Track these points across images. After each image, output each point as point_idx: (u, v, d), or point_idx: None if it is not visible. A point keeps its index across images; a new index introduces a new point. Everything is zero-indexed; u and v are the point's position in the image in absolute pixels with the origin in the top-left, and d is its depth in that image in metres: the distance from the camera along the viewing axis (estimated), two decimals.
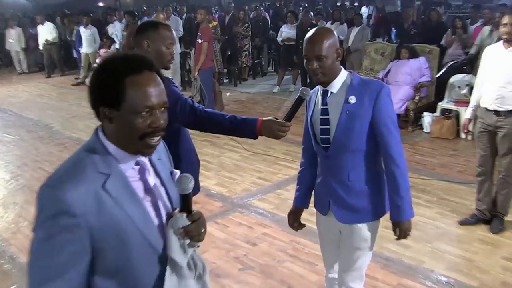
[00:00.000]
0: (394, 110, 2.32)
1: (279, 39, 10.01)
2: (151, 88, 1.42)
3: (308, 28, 8.80)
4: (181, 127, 2.73)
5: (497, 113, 3.93)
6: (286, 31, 9.97)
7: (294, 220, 2.62)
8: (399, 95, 6.85)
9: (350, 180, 2.32)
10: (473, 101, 4.19)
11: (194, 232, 1.53)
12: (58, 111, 9.29)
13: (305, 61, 2.26)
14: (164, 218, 1.54)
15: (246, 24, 10.94)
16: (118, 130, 1.44)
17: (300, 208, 2.61)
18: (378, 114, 2.23)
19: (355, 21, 9.25)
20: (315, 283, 3.46)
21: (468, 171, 5.39)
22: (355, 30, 9.11)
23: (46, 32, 12.95)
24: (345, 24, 9.87)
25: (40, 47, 13.16)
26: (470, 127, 4.34)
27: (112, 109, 1.41)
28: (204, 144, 6.63)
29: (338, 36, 9.67)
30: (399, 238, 2.38)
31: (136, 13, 14.91)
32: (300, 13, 11.66)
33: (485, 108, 4.01)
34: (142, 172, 1.51)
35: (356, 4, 18.41)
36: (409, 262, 3.70)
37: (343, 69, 2.31)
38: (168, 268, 1.52)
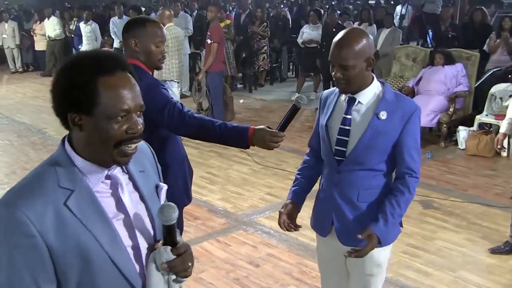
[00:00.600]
0: (420, 134, 2.38)
1: (299, 40, 10.15)
2: (126, 90, 1.43)
3: (334, 30, 9.01)
4: (170, 133, 2.84)
5: None
6: (308, 32, 10.11)
7: (288, 217, 2.52)
8: (430, 106, 6.92)
9: (359, 200, 2.38)
10: (510, 113, 4.25)
11: (180, 267, 1.51)
12: (53, 114, 9.44)
13: (330, 66, 2.30)
14: (140, 239, 1.54)
15: (265, 24, 11.11)
16: (90, 138, 1.44)
17: (296, 204, 2.56)
18: (406, 137, 2.29)
19: (385, 21, 9.34)
20: None
21: (506, 194, 5.40)
22: (385, 32, 9.21)
23: (50, 28, 13.36)
24: (374, 25, 9.98)
25: (39, 46, 13.56)
26: (505, 143, 4.40)
27: (83, 114, 1.41)
28: (210, 155, 6.79)
29: None
30: (364, 249, 2.29)
31: (144, 8, 15.31)
32: (327, 12, 11.83)
33: None
34: (114, 187, 1.51)
35: (392, 2, 18.51)
36: None
37: (375, 78, 2.35)
38: None
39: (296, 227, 2.55)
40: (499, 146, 4.36)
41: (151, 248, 1.54)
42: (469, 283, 3.87)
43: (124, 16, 11.08)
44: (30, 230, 1.36)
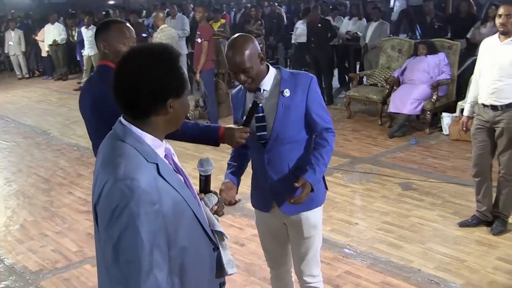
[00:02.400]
0: (322, 98, 2.74)
1: (293, 36, 10.47)
2: None
3: (319, 25, 9.32)
4: None
5: (494, 107, 4.29)
6: (301, 28, 10.45)
7: (232, 197, 2.72)
8: (414, 95, 7.23)
9: (290, 171, 2.70)
10: (470, 97, 4.57)
11: (221, 207, 1.94)
12: (57, 116, 9.97)
13: (231, 74, 2.63)
14: (194, 192, 1.81)
15: (259, 22, 11.43)
16: (172, 117, 1.67)
17: (233, 184, 2.78)
18: (312, 104, 2.64)
19: (373, 15, 9.64)
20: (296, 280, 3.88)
21: None
22: (373, 25, 9.50)
23: (55, 33, 13.79)
24: (364, 19, 10.30)
25: (46, 48, 14.00)
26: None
27: (176, 98, 1.64)
28: (205, 149, 7.03)
29: (356, 33, 10.10)
30: (301, 195, 2.54)
31: (144, 11, 15.66)
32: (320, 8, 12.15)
33: (482, 104, 4.38)
34: (168, 157, 1.74)
35: None
36: (397, 261, 4.09)
37: (270, 67, 2.69)
38: (220, 243, 1.87)
39: (236, 202, 2.77)
40: (464, 129, 4.66)
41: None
42: (436, 253, 4.19)
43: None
44: (152, 198, 1.54)
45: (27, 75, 15.15)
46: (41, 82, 14.39)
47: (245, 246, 4.48)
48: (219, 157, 7.18)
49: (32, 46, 14.89)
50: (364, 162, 6.41)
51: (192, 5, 13.73)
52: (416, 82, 7.43)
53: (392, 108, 7.45)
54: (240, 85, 2.76)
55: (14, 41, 14.49)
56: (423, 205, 5.09)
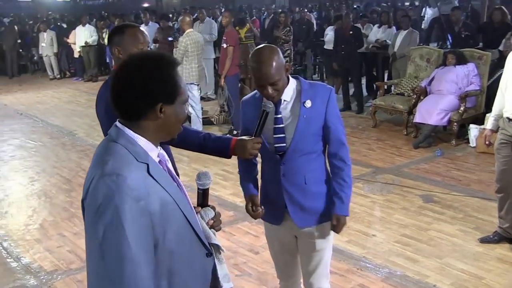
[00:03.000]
0: (338, 110, 2.72)
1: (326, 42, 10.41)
2: None
3: (350, 32, 9.26)
4: None
5: None
6: (331, 34, 10.41)
7: (257, 206, 2.73)
8: (441, 105, 7.10)
9: (306, 183, 2.68)
10: (495, 110, 4.45)
11: (218, 222, 1.94)
12: (84, 117, 10.11)
13: (258, 87, 2.56)
14: (189, 202, 1.81)
15: (288, 28, 11.42)
16: (166, 121, 1.68)
17: (256, 196, 2.78)
18: (330, 116, 2.62)
19: (402, 24, 9.53)
20: None
21: None
22: (402, 33, 9.39)
23: (86, 34, 14.06)
24: (393, 27, 10.19)
25: (78, 49, 14.27)
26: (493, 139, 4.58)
27: (167, 104, 1.66)
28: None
29: (385, 41, 9.99)
30: (337, 230, 2.71)
31: (173, 15, 15.82)
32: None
33: (507, 117, 4.27)
34: (163, 163, 1.76)
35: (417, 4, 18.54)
36: (413, 276, 4.01)
37: (290, 77, 2.65)
38: (216, 257, 1.88)
39: (262, 211, 2.75)
40: (487, 142, 4.56)
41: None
42: (454, 269, 4.09)
43: (150, 23, 11.61)
44: (138, 194, 1.55)
45: (58, 76, 15.44)
46: (71, 83, 14.65)
47: (259, 254, 4.45)
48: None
49: (63, 47, 15.16)
50: (386, 172, 6.32)
51: (222, 9, 13.79)
52: (444, 93, 7.30)
53: (418, 118, 7.34)
54: (254, 93, 2.73)
55: (46, 42, 14.80)
56: (443, 218, 4.99)
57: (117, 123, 1.72)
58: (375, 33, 10.62)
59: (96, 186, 1.57)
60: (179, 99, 1.70)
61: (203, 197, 1.95)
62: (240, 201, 5.63)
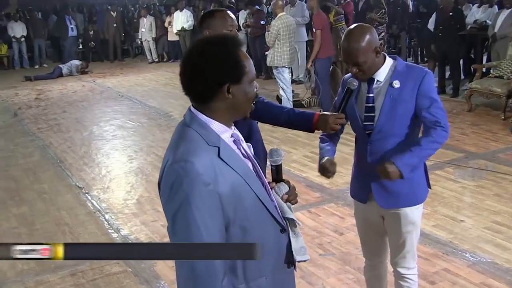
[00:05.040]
0: (438, 96, 2.66)
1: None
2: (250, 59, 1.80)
3: (450, 14, 8.93)
4: None
5: None
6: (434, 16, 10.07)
7: (334, 168, 2.75)
8: None
9: None
10: None
11: (293, 196, 1.98)
12: (180, 99, 10.47)
13: (345, 63, 2.65)
14: (263, 178, 1.89)
15: (383, 10, 11.18)
16: (236, 101, 1.75)
17: (333, 158, 2.80)
18: (421, 99, 2.59)
19: (506, 1, 9.02)
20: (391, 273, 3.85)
21: None
22: (504, 12, 8.90)
23: (182, 19, 14.57)
24: (495, 6, 9.70)
25: (175, 32, 14.82)
26: None
27: (235, 84, 1.72)
28: (316, 137, 7.15)
29: (485, 21, 9.53)
30: (380, 174, 2.59)
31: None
32: None
33: None
34: (237, 143, 1.83)
35: None
36: (502, 263, 3.90)
37: (387, 57, 2.66)
38: (292, 230, 1.92)
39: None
40: None
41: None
42: None
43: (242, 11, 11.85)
44: (206, 179, 1.64)
45: (157, 59, 16.14)
46: (169, 66, 15.23)
47: (343, 235, 4.50)
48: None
49: (162, 32, 15.78)
50: (479, 158, 6.12)
51: None
52: None
53: None
54: None
55: (145, 27, 15.50)
56: None
57: (191, 107, 1.81)
58: (474, 14, 10.17)
59: (168, 172, 1.69)
60: (245, 78, 1.75)
61: (276, 172, 2.01)
62: (327, 183, 5.67)
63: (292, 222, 1.94)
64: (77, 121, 9.50)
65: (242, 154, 1.84)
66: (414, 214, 2.75)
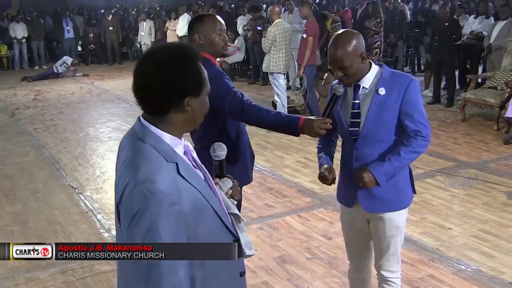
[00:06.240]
0: (422, 105, 2.71)
1: None
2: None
3: (446, 24, 9.01)
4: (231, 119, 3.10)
5: None
6: None
7: (333, 175, 2.81)
8: None
9: None
10: None
11: (236, 191, 2.01)
12: None
13: (331, 68, 2.72)
14: (213, 188, 1.88)
15: (378, 19, 11.25)
16: (191, 116, 1.73)
17: (332, 167, 2.84)
18: (406, 107, 2.64)
19: (501, 13, 9.12)
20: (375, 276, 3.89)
21: None
22: (500, 24, 9.00)
23: (181, 25, 14.63)
24: (491, 18, 9.79)
25: (173, 38, 14.89)
26: None
27: (194, 96, 1.70)
28: (310, 143, 7.21)
29: (481, 32, 9.61)
30: (356, 176, 2.67)
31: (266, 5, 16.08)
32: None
33: None
34: (187, 154, 1.80)
35: None
36: (487, 271, 3.94)
37: (373, 64, 2.72)
38: (236, 226, 1.90)
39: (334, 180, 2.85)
40: None
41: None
42: None
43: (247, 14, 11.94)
44: (172, 199, 1.60)
45: None
46: None
47: (332, 239, 4.54)
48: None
49: (162, 36, 15.83)
50: (470, 167, 6.17)
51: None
52: None
53: (510, 113, 7.07)
54: None
55: (145, 31, 15.57)
56: None
57: (141, 118, 1.75)
58: (470, 24, 10.24)
59: (131, 193, 1.60)
60: (204, 91, 1.74)
61: (220, 168, 2.03)
62: (318, 188, 5.73)
63: (237, 218, 1.94)
64: (73, 122, 9.55)
65: (193, 165, 1.81)
66: (398, 218, 2.81)
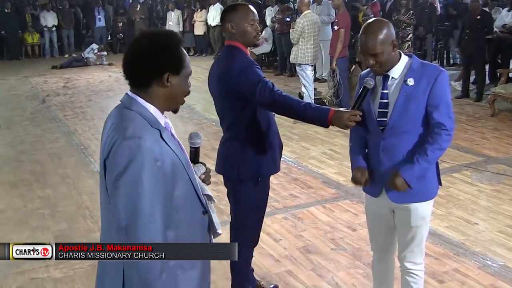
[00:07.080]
0: (450, 97, 2.71)
1: None
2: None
3: (478, 17, 8.87)
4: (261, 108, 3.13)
5: None
6: None
7: (365, 177, 2.82)
8: None
9: (404, 161, 2.71)
10: None
11: (208, 177, 2.23)
12: (203, 93, 10.40)
13: (361, 56, 2.72)
14: (189, 164, 2.04)
15: (410, 12, 11.13)
16: (172, 91, 1.91)
17: (365, 168, 2.85)
18: (433, 98, 2.64)
19: None
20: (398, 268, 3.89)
21: None
22: None
23: (212, 14, 14.70)
24: None
25: (198, 31, 14.97)
26: None
27: (174, 75, 1.90)
28: (336, 135, 7.23)
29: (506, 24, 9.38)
30: (390, 183, 2.71)
31: None
32: None
33: None
34: (168, 129, 1.97)
35: None
36: None
37: (403, 55, 2.73)
38: (209, 208, 2.08)
39: (367, 182, 2.86)
40: None
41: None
42: None
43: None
44: (156, 156, 1.78)
45: None
46: (194, 60, 15.33)
47: (356, 231, 4.55)
48: (347, 144, 7.27)
49: (190, 26, 15.93)
50: (499, 162, 6.10)
51: None
52: None
53: None
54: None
55: (173, 21, 15.66)
56: None
57: (129, 92, 1.95)
58: (503, 18, 10.07)
59: (120, 148, 1.78)
60: (183, 72, 1.93)
61: (195, 154, 2.21)
62: (343, 180, 5.74)
63: (209, 198, 2.13)
64: (101, 110, 9.68)
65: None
66: (424, 209, 2.81)
